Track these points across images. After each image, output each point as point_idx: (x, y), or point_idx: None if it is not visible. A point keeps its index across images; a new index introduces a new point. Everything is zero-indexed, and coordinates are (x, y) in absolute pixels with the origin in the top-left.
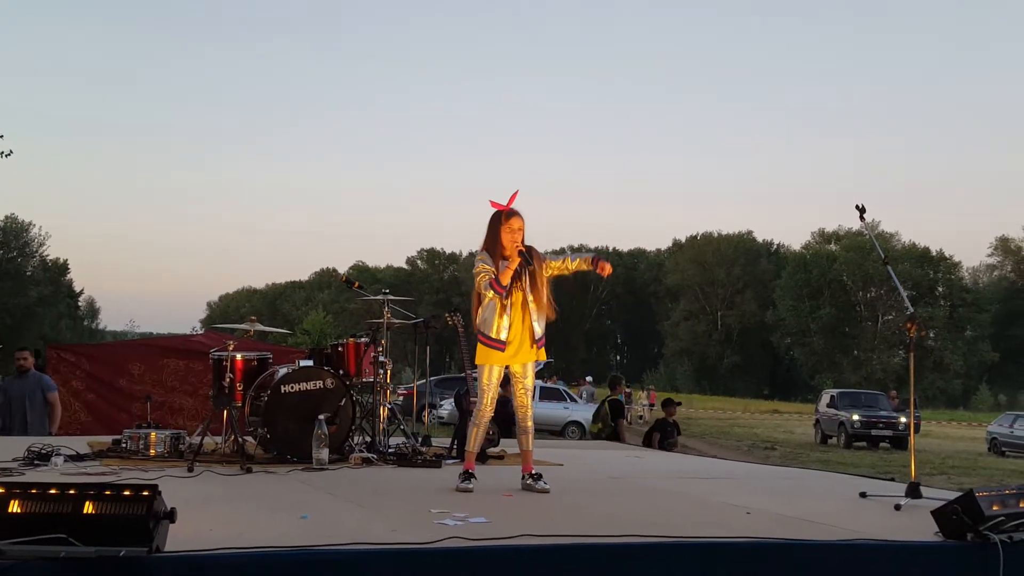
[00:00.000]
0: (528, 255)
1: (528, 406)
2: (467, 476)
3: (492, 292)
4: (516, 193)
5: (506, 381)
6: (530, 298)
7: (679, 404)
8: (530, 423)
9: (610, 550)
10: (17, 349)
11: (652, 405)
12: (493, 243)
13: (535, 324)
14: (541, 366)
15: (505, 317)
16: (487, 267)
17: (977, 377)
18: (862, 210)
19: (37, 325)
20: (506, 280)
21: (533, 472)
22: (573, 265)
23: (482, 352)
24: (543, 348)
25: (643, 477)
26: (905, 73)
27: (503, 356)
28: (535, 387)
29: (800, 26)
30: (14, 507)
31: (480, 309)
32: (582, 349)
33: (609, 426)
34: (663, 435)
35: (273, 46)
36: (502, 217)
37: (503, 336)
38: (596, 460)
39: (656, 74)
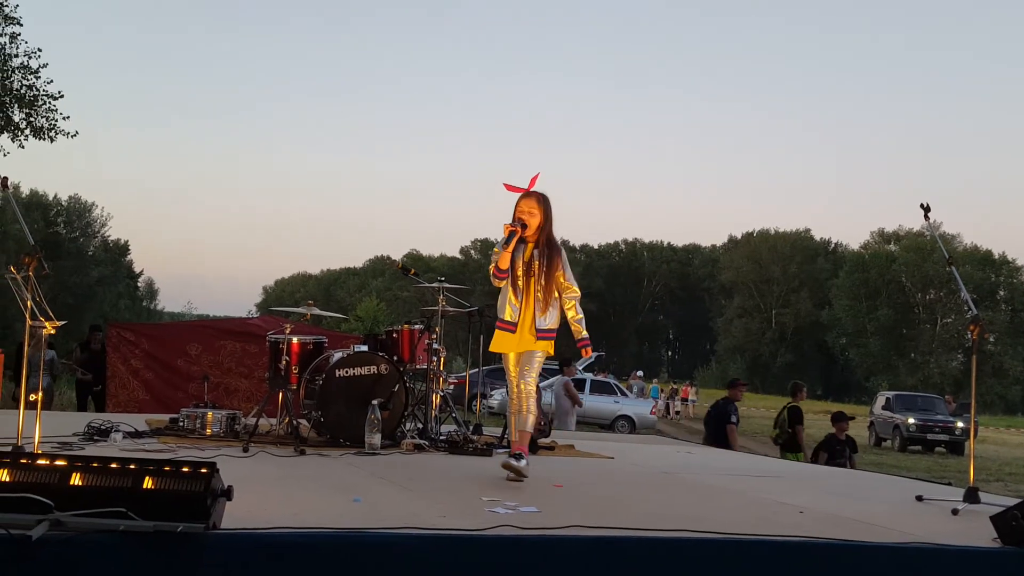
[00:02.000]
0: (506, 239)
1: (531, 393)
2: (518, 458)
3: (494, 279)
4: (537, 175)
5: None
6: (539, 286)
7: (852, 419)
8: (528, 404)
9: (660, 544)
10: None
11: (685, 400)
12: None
13: (537, 315)
14: (592, 360)
15: (514, 299)
16: (497, 252)
17: None
18: (927, 208)
19: (97, 304)
20: (503, 264)
21: (517, 452)
22: (574, 328)
23: (498, 337)
24: (549, 341)
25: (694, 473)
26: (969, 73)
27: (511, 340)
28: (585, 380)
29: (857, 24)
30: (76, 480)
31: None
32: (634, 343)
33: (786, 432)
34: (831, 455)
35: (322, 31)
36: (518, 200)
37: (513, 318)
38: (646, 454)
39: (715, 69)
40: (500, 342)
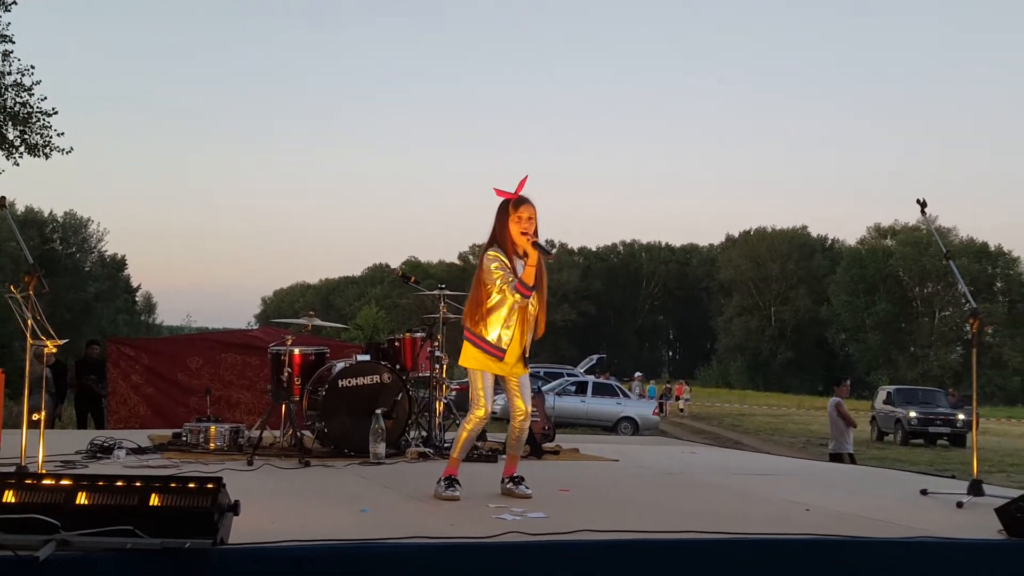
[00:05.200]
0: (546, 249)
1: (528, 412)
2: (451, 482)
3: (518, 296)
4: (525, 179)
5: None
6: (538, 302)
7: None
8: (526, 425)
9: (670, 546)
10: None
11: (679, 399)
12: (502, 236)
13: (527, 335)
14: (594, 361)
15: (512, 323)
16: (504, 263)
17: None
18: (923, 204)
19: (96, 320)
20: (531, 280)
21: (515, 475)
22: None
23: (475, 356)
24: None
25: (699, 473)
26: (962, 65)
27: (500, 366)
28: (587, 383)
29: (850, 20)
30: (82, 499)
31: (481, 307)
32: (634, 345)
33: None
34: None
35: (317, 38)
36: (510, 206)
37: (504, 344)
38: (651, 456)
39: (709, 67)
40: (482, 362)
